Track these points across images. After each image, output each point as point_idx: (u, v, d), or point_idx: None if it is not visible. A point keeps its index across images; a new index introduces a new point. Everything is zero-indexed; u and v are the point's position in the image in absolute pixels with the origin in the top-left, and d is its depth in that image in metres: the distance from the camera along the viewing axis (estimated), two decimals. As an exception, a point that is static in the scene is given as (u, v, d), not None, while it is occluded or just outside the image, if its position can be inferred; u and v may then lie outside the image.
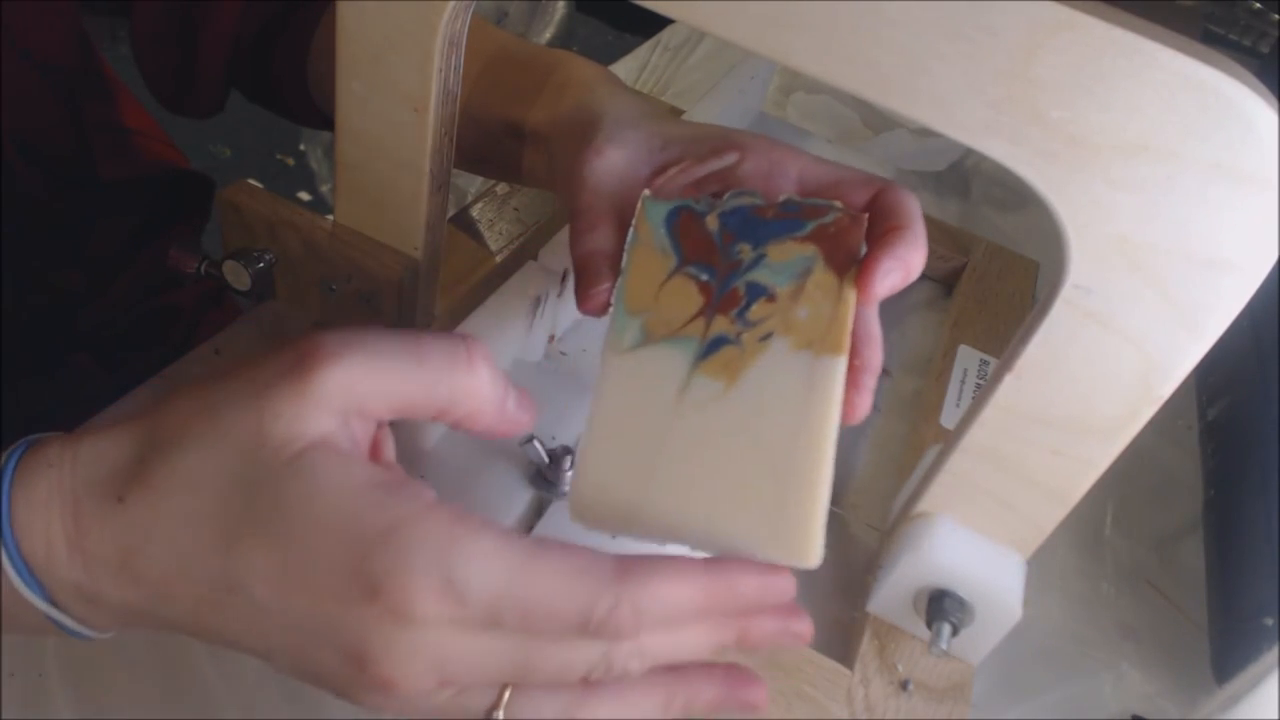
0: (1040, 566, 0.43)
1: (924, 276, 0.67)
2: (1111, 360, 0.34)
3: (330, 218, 0.46)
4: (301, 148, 2.04)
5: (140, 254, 0.63)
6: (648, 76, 0.85)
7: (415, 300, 0.47)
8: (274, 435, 0.27)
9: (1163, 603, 0.53)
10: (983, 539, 0.41)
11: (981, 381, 0.58)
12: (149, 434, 0.28)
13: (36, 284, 0.56)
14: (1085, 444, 0.36)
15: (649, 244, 0.35)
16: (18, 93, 0.50)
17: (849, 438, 0.55)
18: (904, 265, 0.34)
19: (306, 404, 0.27)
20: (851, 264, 0.33)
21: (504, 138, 0.48)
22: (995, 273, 0.66)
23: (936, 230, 0.66)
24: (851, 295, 0.33)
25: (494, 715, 0.27)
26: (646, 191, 0.37)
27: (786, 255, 0.34)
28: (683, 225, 0.35)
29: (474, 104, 0.48)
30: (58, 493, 0.28)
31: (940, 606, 0.40)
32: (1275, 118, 0.28)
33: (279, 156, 2.03)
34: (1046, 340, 0.34)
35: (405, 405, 0.29)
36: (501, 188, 0.63)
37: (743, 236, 0.35)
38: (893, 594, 0.42)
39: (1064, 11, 0.28)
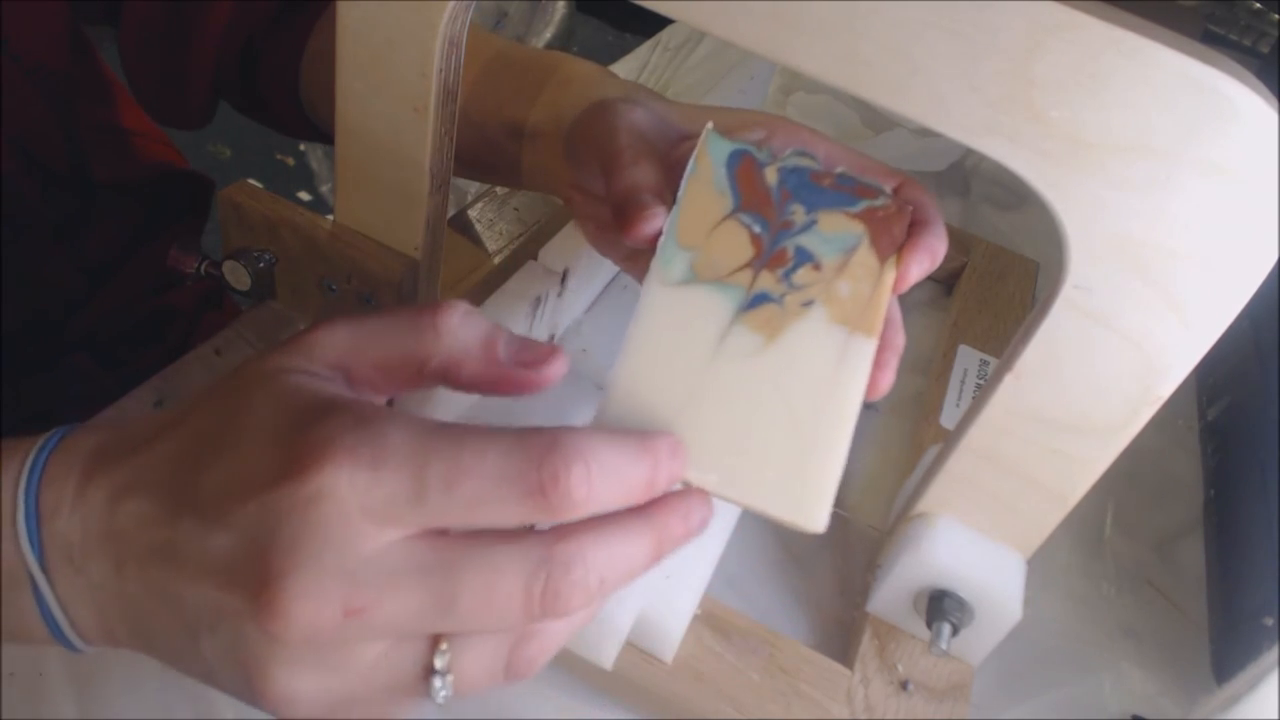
0: (1040, 566, 0.43)
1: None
2: (1111, 360, 0.34)
3: (330, 218, 0.46)
4: (301, 148, 2.04)
5: (139, 255, 0.63)
6: (648, 76, 0.85)
7: (415, 300, 0.47)
8: (267, 360, 0.29)
9: (1163, 603, 0.53)
10: (983, 539, 0.41)
11: (981, 381, 0.58)
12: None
13: (35, 285, 0.56)
14: (1085, 444, 0.36)
15: (707, 179, 0.36)
16: (9, 96, 0.50)
17: (849, 438, 0.55)
18: (931, 255, 0.35)
19: (301, 349, 0.30)
20: (893, 251, 0.35)
21: (503, 140, 0.48)
22: (995, 273, 0.66)
23: (936, 230, 0.66)
24: (890, 280, 0.34)
25: (432, 663, 0.26)
26: (710, 124, 0.37)
27: (836, 228, 0.35)
28: (743, 170, 0.36)
29: (472, 107, 0.48)
30: (79, 462, 0.29)
31: (940, 606, 0.40)
32: (1275, 118, 0.28)
33: (279, 156, 2.03)
34: (1046, 340, 0.34)
35: (383, 359, 0.30)
36: (501, 188, 0.63)
37: (798, 197, 0.36)
38: (893, 594, 0.42)
39: (1064, 11, 0.28)
